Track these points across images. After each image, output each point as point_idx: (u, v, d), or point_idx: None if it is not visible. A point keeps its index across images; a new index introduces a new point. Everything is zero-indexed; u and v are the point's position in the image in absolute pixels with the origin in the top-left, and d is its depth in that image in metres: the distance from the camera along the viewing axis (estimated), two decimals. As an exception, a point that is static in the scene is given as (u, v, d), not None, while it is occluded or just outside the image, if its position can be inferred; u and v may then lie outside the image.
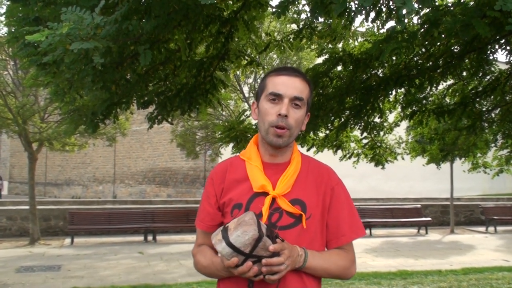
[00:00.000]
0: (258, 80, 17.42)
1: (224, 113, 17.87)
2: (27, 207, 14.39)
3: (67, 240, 13.82)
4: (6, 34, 6.55)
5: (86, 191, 38.82)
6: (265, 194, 1.84)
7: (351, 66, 6.36)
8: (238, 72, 11.13)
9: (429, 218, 17.15)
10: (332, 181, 1.97)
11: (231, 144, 7.12)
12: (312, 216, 1.87)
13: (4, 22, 9.54)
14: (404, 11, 2.22)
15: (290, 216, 1.84)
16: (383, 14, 5.03)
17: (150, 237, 14.31)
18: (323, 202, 1.92)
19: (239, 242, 1.64)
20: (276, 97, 1.86)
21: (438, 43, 5.67)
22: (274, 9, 3.81)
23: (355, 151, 9.33)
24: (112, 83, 4.58)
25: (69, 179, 40.47)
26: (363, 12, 2.73)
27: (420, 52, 5.97)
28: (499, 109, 7.43)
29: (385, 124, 8.52)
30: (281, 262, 1.67)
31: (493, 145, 11.26)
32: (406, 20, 3.86)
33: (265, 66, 16.08)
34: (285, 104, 1.84)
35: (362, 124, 7.42)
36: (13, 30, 4.38)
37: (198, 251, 1.99)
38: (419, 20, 5.19)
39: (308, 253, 1.82)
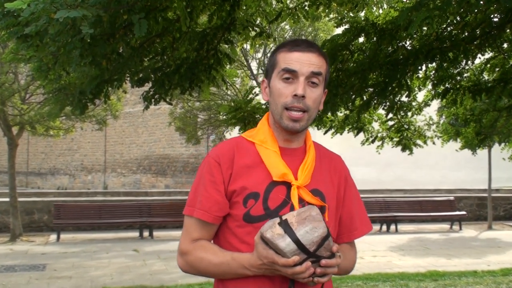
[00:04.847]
0: (268, 55, 17.38)
1: (229, 92, 17.86)
2: (7, 199, 14.49)
3: (53, 236, 13.93)
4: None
5: (74, 182, 39.12)
6: (285, 183, 1.84)
7: (374, 38, 6.32)
8: (245, 46, 11.10)
9: (463, 212, 17.09)
10: (345, 170, 2.04)
11: (237, 127, 7.12)
12: (330, 208, 1.91)
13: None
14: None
15: None
16: (412, -23, 4.99)
17: (146, 233, 14.39)
18: (338, 194, 1.98)
19: (307, 239, 1.63)
20: (290, 75, 1.84)
21: (476, 11, 5.62)
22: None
23: (379, 134, 9.29)
24: (102, 57, 4.60)
25: (54, 168, 40.76)
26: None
27: (454, 21, 5.92)
28: (545, 86, 7.38)
29: (413, 103, 8.48)
30: (338, 264, 1.71)
31: (537, 128, 11.19)
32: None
33: (276, 38, 16.02)
34: (301, 83, 1.82)
35: (387, 103, 7.40)
36: (-11, -3, 4.39)
37: (196, 247, 1.88)
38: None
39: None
